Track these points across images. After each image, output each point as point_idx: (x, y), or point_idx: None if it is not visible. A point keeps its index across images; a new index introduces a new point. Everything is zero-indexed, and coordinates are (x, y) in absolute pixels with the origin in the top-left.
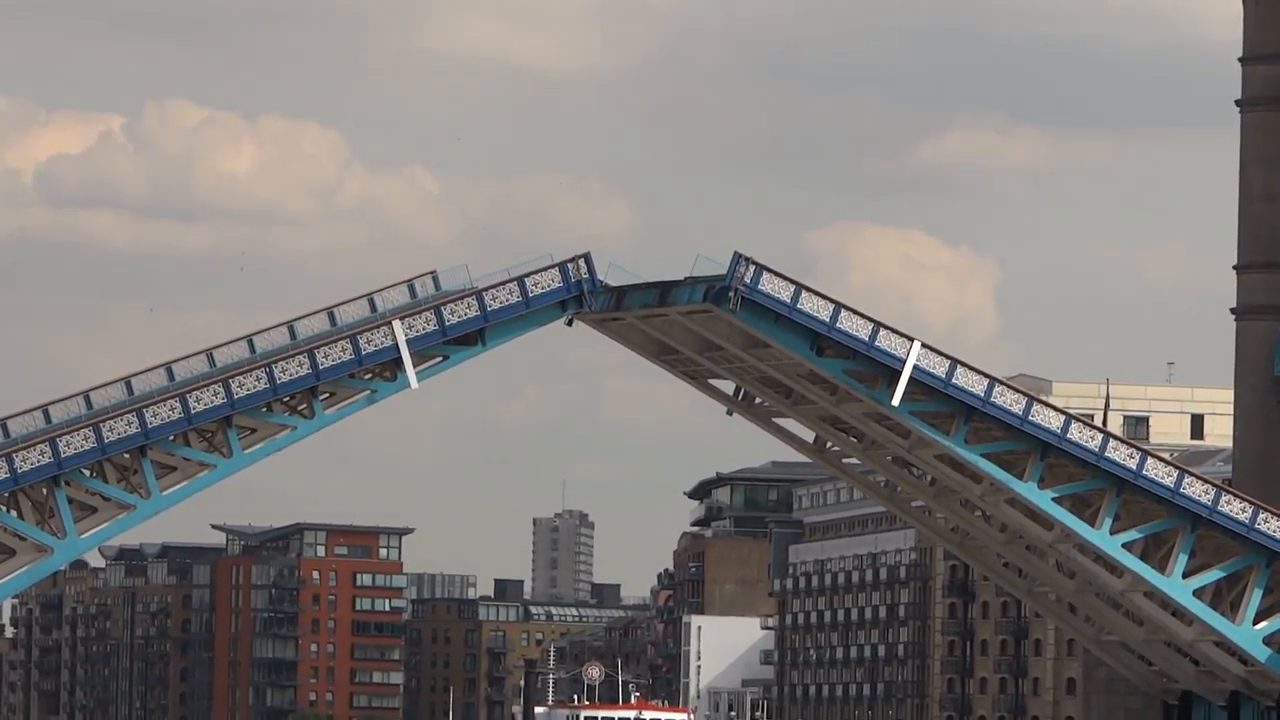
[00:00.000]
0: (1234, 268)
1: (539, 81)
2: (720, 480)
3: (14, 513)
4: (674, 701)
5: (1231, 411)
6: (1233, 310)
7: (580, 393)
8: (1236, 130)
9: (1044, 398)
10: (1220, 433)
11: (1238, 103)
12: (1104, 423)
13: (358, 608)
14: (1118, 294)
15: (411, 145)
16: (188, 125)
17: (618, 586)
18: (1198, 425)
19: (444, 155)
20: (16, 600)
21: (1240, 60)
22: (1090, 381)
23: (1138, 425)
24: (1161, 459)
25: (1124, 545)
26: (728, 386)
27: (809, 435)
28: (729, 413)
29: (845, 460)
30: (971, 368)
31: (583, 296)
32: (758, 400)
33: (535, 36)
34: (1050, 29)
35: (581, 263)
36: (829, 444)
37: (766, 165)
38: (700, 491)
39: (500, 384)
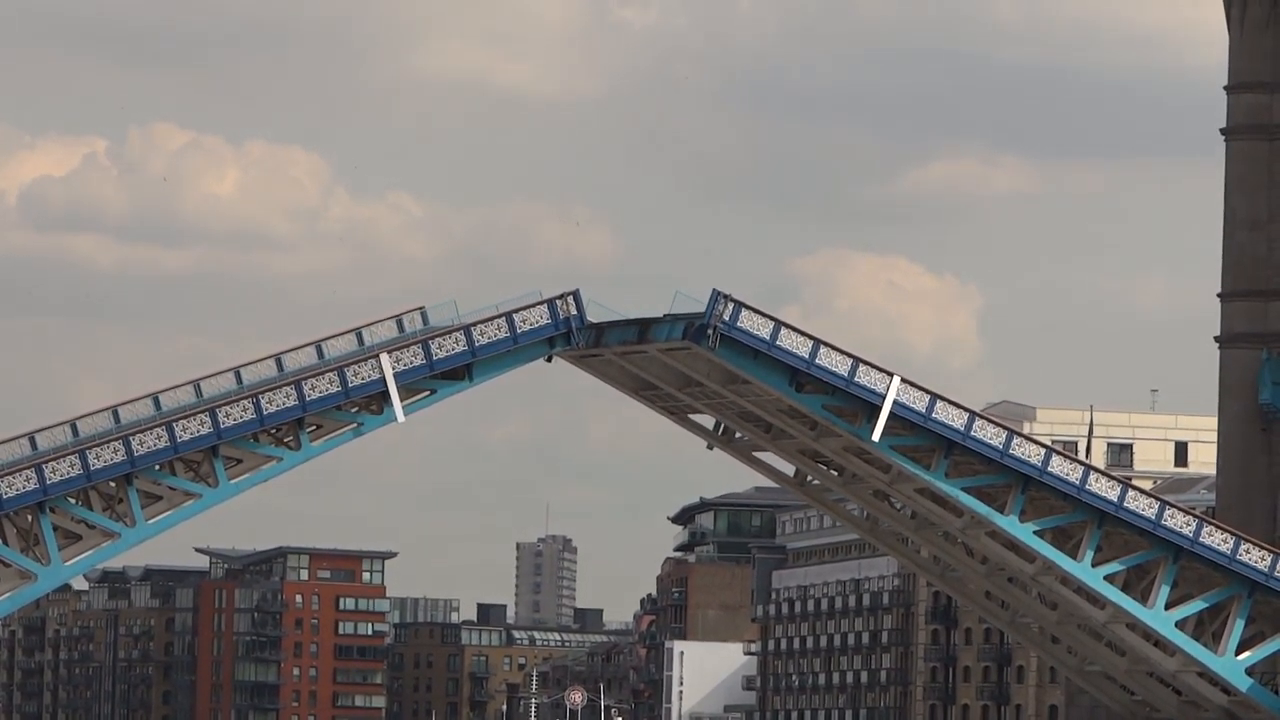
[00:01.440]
0: (1218, 296)
1: (522, 106)
2: (704, 505)
3: None
4: None
5: (1215, 439)
6: (1217, 338)
7: (564, 417)
8: (1221, 159)
9: (1026, 428)
10: (1204, 460)
11: (1222, 131)
12: (1088, 450)
13: (340, 631)
14: (1101, 321)
15: (395, 169)
16: (172, 148)
17: (600, 611)
18: (1181, 453)
19: (427, 179)
20: None
21: (1225, 89)
22: (1074, 408)
23: (1121, 452)
24: (1143, 491)
25: (1106, 577)
26: (707, 421)
27: (789, 468)
28: (709, 447)
29: (826, 493)
30: (951, 402)
31: (570, 334)
32: (738, 435)
33: (518, 61)
34: (1036, 57)
35: (570, 300)
36: (809, 477)
37: (750, 191)
38: (684, 517)
39: (485, 408)
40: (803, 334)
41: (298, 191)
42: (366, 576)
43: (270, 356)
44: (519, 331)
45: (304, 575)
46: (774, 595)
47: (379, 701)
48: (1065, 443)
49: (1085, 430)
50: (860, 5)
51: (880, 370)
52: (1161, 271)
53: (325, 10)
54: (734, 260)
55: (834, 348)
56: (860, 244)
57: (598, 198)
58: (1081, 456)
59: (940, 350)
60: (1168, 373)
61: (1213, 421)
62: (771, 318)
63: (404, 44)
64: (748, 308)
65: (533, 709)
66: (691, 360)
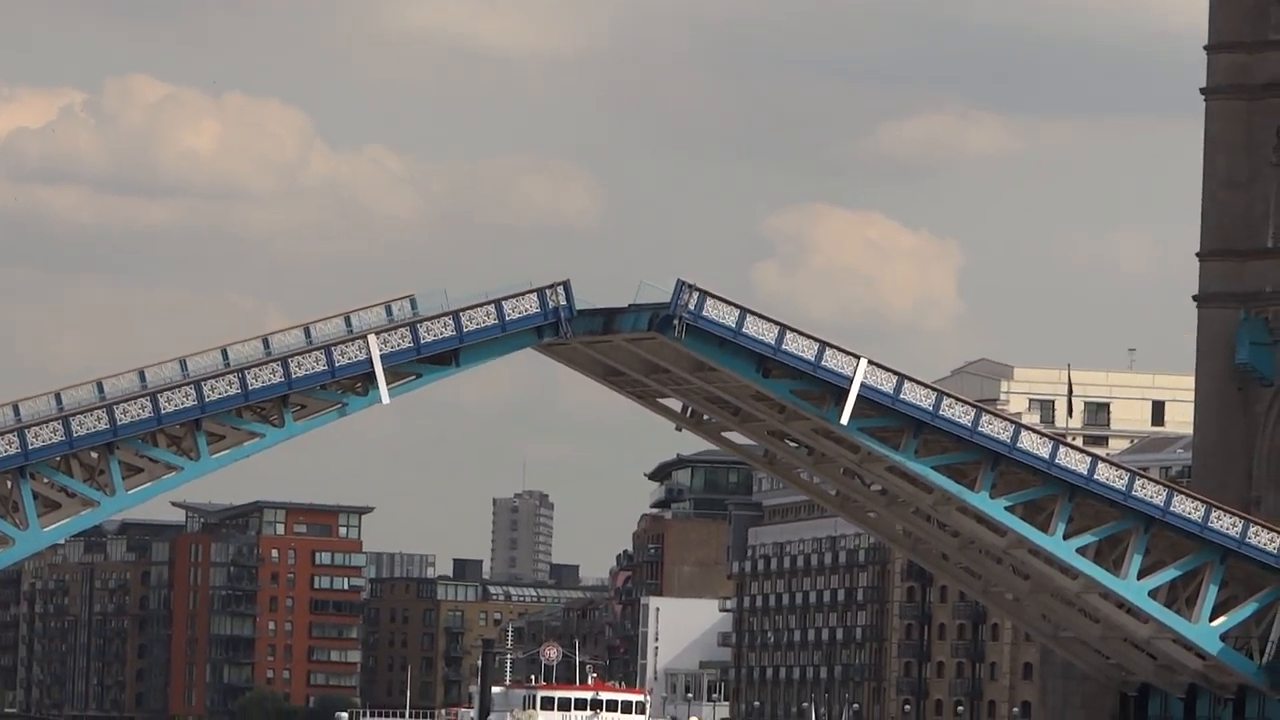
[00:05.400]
0: (1197, 255)
1: (501, 63)
2: (680, 462)
3: None
4: (631, 682)
5: (1192, 398)
6: (1195, 297)
7: (541, 373)
8: (1201, 118)
9: (1004, 387)
10: (1181, 420)
11: (1203, 90)
12: (1068, 409)
13: (316, 586)
14: (1080, 280)
15: (374, 125)
16: (150, 101)
17: (576, 567)
18: (1158, 412)
19: (408, 135)
20: None
21: (1205, 48)
22: (1052, 367)
23: (1099, 411)
24: (1112, 462)
25: (1078, 550)
26: (675, 404)
27: (759, 447)
28: (678, 429)
29: (795, 470)
30: (919, 382)
31: (559, 324)
32: (706, 417)
33: (498, 17)
34: (1015, 14)
35: (560, 290)
36: (778, 455)
37: (728, 148)
38: (660, 473)
39: None
40: (769, 320)
41: (277, 146)
42: (343, 531)
43: (257, 337)
44: (508, 319)
45: (280, 530)
46: (750, 552)
47: (354, 656)
48: (1043, 401)
49: (1063, 389)
50: None
51: (847, 353)
52: (1140, 231)
53: None
54: (712, 216)
55: (800, 332)
56: (837, 200)
57: (577, 154)
58: (1059, 415)
59: (919, 308)
60: (1145, 332)
61: (1190, 381)
62: (737, 305)
63: None
64: (713, 296)
65: (508, 664)
66: (658, 349)
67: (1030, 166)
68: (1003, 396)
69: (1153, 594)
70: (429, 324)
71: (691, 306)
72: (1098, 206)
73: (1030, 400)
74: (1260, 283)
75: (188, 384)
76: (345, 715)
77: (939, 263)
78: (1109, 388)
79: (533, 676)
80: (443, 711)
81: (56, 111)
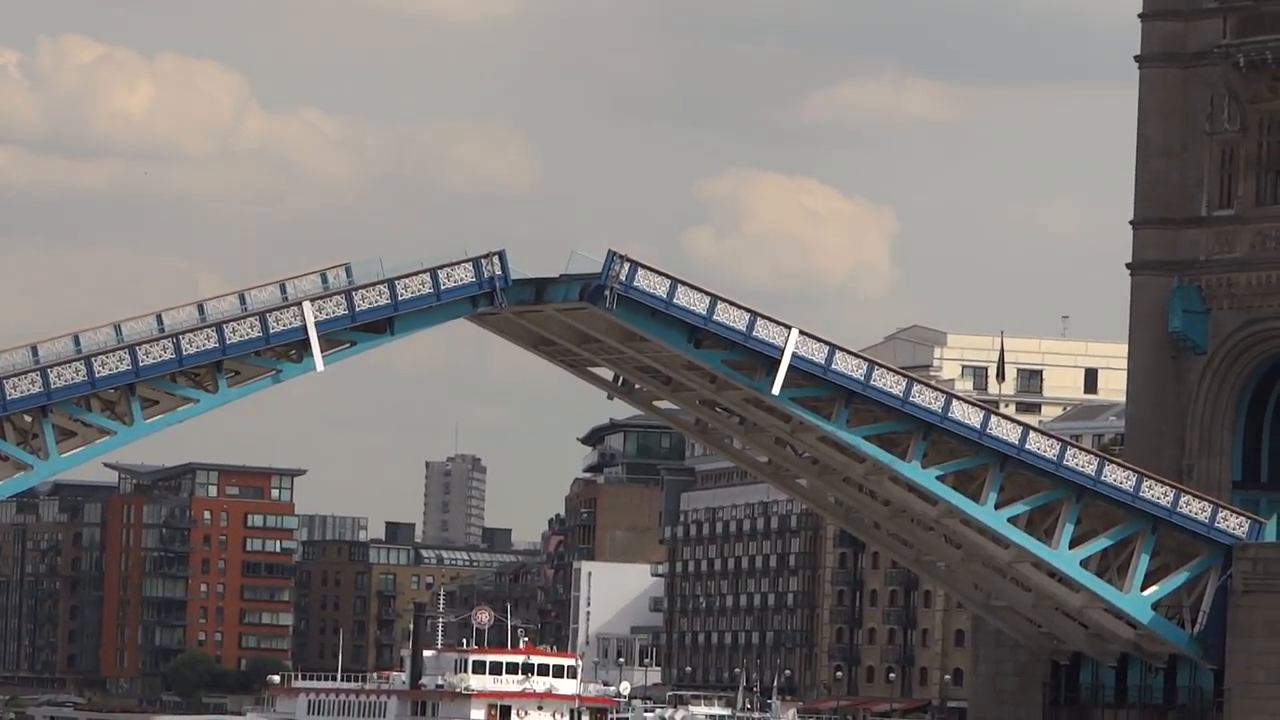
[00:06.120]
0: (1130, 223)
1: (438, 26)
2: (613, 426)
3: None
4: (563, 647)
5: (1126, 366)
6: (1128, 265)
7: (474, 337)
8: (1136, 86)
9: (936, 353)
10: (1114, 388)
11: (1137, 58)
12: (999, 375)
13: (248, 548)
14: (1014, 247)
15: (309, 87)
16: (84, 61)
17: (509, 531)
18: (1091, 380)
19: (342, 97)
20: None
21: (1140, 16)
22: (985, 333)
23: (1031, 379)
24: (1043, 432)
25: (1009, 519)
26: (606, 373)
27: (691, 416)
28: (609, 398)
29: (726, 439)
30: (850, 352)
31: (494, 294)
32: (637, 386)
33: None
34: None
35: (495, 260)
36: (709, 425)
37: (663, 112)
38: (593, 438)
39: None
40: (700, 290)
41: (211, 107)
42: (275, 493)
43: (192, 303)
44: (443, 289)
45: (213, 491)
46: (682, 517)
47: (286, 619)
48: (975, 368)
49: (995, 356)
50: None
51: (778, 324)
52: (1074, 198)
53: None
54: (647, 180)
55: (731, 303)
56: (771, 166)
57: (512, 118)
58: (991, 382)
59: (853, 274)
60: (1079, 300)
61: (1123, 349)
62: (668, 276)
63: None
64: (644, 267)
65: (440, 628)
66: (589, 319)
67: (965, 134)
68: (935, 363)
69: (1084, 563)
70: (364, 292)
71: (623, 277)
72: (1032, 174)
73: (963, 367)
74: (1193, 251)
75: (122, 349)
76: (277, 678)
77: (873, 229)
78: (1042, 355)
79: (465, 640)
80: (375, 675)
81: None
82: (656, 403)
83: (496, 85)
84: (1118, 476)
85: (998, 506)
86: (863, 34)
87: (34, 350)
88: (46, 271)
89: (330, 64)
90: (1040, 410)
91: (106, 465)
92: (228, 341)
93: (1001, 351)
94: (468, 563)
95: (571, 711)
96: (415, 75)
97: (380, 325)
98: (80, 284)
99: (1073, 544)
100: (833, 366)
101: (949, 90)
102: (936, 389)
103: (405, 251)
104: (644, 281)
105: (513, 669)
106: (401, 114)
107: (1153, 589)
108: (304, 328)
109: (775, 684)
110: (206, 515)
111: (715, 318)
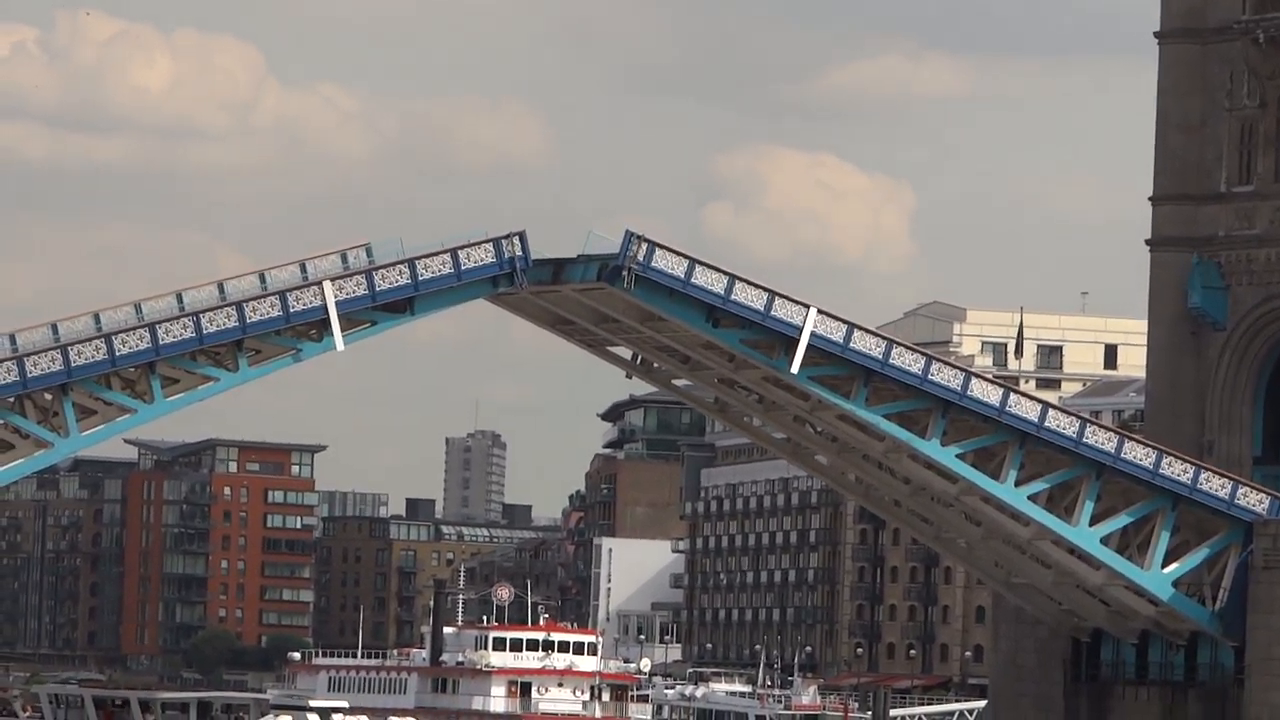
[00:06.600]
0: (1149, 199)
1: (455, 1)
2: (633, 402)
3: None
4: (583, 624)
5: (1145, 342)
6: (1148, 241)
7: (494, 313)
8: (1155, 62)
9: (956, 329)
10: (1133, 363)
11: (1156, 34)
12: (1018, 351)
13: (269, 525)
14: (1033, 222)
15: (327, 62)
16: (102, 37)
17: (529, 507)
18: (1111, 355)
19: (359, 72)
20: None
21: None
22: (1004, 309)
23: (1051, 354)
24: (1063, 410)
25: (1029, 496)
26: (625, 352)
27: (710, 394)
28: (628, 376)
29: (745, 417)
30: (869, 330)
31: (514, 274)
32: (656, 365)
33: None
34: None
35: (516, 240)
36: (729, 403)
37: (680, 87)
38: (613, 413)
39: None
40: (718, 270)
41: (229, 83)
42: (295, 470)
43: (212, 282)
44: (463, 269)
45: (233, 468)
46: (703, 493)
47: (307, 595)
48: (995, 344)
49: (1015, 332)
50: None
51: (796, 303)
52: (1094, 173)
53: None
54: (664, 156)
55: (749, 282)
56: (789, 141)
57: (529, 91)
58: (1011, 358)
59: (871, 250)
60: (1098, 275)
61: (1142, 325)
62: (686, 256)
63: None
64: (662, 247)
65: (460, 605)
66: (607, 299)
67: (983, 108)
68: (955, 339)
69: (1104, 541)
70: (384, 272)
71: (640, 257)
72: (1051, 149)
73: (982, 343)
74: (1213, 227)
75: (143, 327)
76: (297, 655)
77: (891, 204)
78: (1061, 330)
79: (485, 617)
80: (395, 652)
81: (9, 48)
82: (675, 381)
83: (514, 61)
84: (1137, 454)
85: (1018, 484)
86: (880, 8)
87: (54, 328)
88: (65, 246)
89: (347, 39)
90: (1060, 386)
91: (127, 441)
92: (248, 320)
93: (1021, 327)
94: (488, 539)
95: (592, 688)
96: (433, 50)
97: (400, 305)
98: (99, 258)
99: (1093, 521)
100: (851, 345)
101: (968, 64)
102: (955, 367)
103: (421, 224)
104: (662, 261)
105: (533, 646)
106: (419, 88)
107: (1173, 566)
108: (324, 307)
109: (796, 661)
110: (227, 491)
111: (733, 297)
